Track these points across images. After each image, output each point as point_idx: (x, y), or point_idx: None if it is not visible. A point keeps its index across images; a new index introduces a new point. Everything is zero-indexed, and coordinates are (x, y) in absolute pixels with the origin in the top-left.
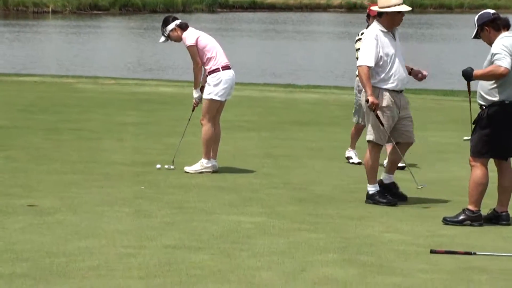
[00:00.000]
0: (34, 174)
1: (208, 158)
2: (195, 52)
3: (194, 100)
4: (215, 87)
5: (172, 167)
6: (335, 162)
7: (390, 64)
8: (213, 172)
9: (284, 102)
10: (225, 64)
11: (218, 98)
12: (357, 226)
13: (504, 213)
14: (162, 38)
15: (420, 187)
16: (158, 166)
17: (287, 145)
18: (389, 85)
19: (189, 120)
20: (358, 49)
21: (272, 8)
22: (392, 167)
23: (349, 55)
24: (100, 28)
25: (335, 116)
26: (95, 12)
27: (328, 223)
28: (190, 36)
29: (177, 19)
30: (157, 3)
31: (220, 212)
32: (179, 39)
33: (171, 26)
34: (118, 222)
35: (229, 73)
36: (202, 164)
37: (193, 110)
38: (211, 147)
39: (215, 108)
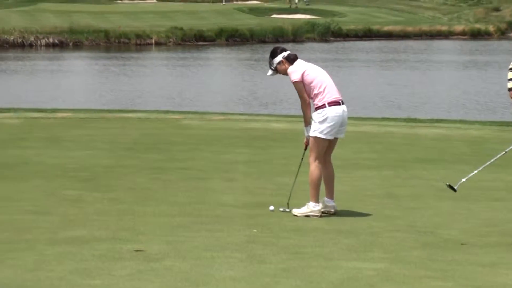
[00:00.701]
0: (140, 217)
1: (316, 201)
2: (301, 88)
3: (305, 138)
4: (320, 125)
5: (287, 209)
6: (462, 203)
7: None
8: (332, 213)
9: (405, 138)
10: (333, 100)
11: (323, 136)
12: (489, 274)
13: None
14: (270, 72)
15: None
16: (272, 208)
17: (410, 185)
18: None
19: (302, 159)
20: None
21: (388, 36)
22: None
23: (476, 85)
24: (206, 60)
25: (461, 153)
26: (200, 43)
27: (457, 270)
28: (296, 71)
29: (285, 50)
30: (266, 33)
31: (338, 258)
32: (286, 73)
33: (278, 58)
34: (230, 269)
35: (338, 110)
36: (309, 207)
37: (305, 149)
38: (318, 188)
39: (322, 146)
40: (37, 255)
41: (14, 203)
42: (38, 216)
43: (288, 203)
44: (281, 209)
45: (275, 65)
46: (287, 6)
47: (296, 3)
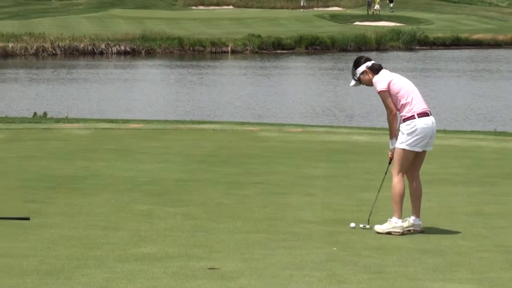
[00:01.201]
0: (214, 233)
1: (398, 216)
2: (388, 98)
3: (389, 151)
4: (408, 136)
5: (367, 226)
6: None
7: None
8: (417, 232)
9: (495, 152)
10: (422, 111)
11: (411, 149)
12: None
13: None
14: (353, 82)
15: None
16: (353, 225)
17: (500, 202)
18: None
19: (385, 174)
20: None
21: (478, 44)
22: None
23: None
24: (285, 69)
25: None
26: (279, 51)
27: None
28: (382, 80)
29: (369, 60)
30: (348, 41)
31: (423, 278)
32: (370, 83)
33: (362, 68)
34: None
35: (427, 121)
36: (391, 223)
37: (389, 163)
38: (401, 203)
39: (407, 159)
40: (107, 272)
41: (83, 218)
42: (108, 231)
43: (368, 219)
44: (361, 226)
45: (358, 75)
46: (370, 12)
47: (378, 10)
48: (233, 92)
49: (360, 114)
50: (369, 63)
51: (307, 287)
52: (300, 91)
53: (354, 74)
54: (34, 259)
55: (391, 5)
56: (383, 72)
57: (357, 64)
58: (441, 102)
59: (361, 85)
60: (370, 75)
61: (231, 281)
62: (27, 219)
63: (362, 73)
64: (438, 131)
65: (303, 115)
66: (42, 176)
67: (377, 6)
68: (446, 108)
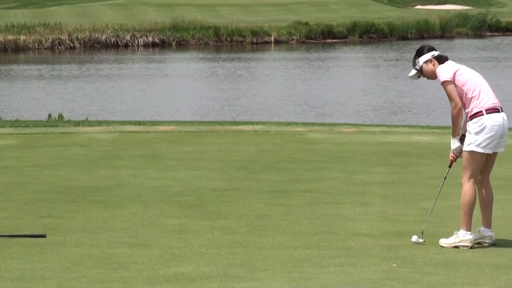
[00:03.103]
0: (256, 249)
1: (467, 229)
2: (453, 89)
3: (451, 153)
4: (476, 136)
5: (420, 240)
6: None
7: None
8: (489, 245)
9: None
10: (491, 106)
11: (481, 150)
12: None
13: None
14: (413, 72)
15: None
16: (414, 238)
17: None
18: None
19: (444, 179)
20: None
21: None
22: None
23: None
24: (336, 60)
25: None
26: (329, 40)
27: None
28: (446, 69)
29: (434, 49)
30: (408, 28)
31: None
32: (433, 75)
33: (426, 56)
34: None
35: (497, 118)
36: (458, 236)
37: (450, 166)
38: (471, 213)
39: (478, 162)
40: None
41: (107, 234)
42: (135, 249)
43: (422, 232)
44: (414, 240)
45: (420, 64)
46: None
47: None
48: (276, 89)
49: (422, 111)
50: (435, 53)
51: None
52: (353, 86)
53: (415, 64)
54: (52, 282)
55: None
56: (448, 62)
57: (420, 52)
58: None
59: (421, 78)
60: (435, 65)
61: None
62: (43, 236)
63: (426, 62)
64: (510, 129)
65: (357, 113)
66: (60, 188)
67: None
68: None
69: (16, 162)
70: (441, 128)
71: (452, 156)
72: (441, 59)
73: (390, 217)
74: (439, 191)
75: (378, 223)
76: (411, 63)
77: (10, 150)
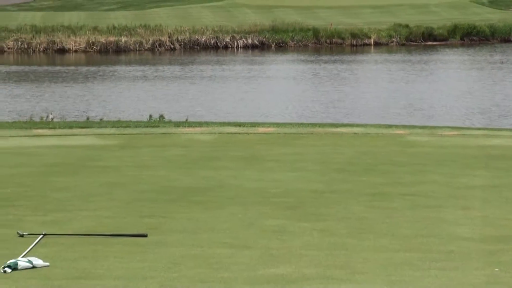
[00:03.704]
0: (356, 252)
1: None
2: None
3: None
4: None
5: None
6: None
7: None
8: None
9: None
10: None
11: None
12: None
13: None
14: None
15: None
16: None
17: None
18: None
19: None
20: None
21: None
22: None
23: None
24: (437, 63)
25: None
26: (429, 43)
27: None
28: None
29: None
30: (511, 30)
31: None
32: None
33: None
34: None
35: None
36: None
37: None
38: None
39: None
40: None
41: (207, 234)
42: (235, 250)
43: None
44: None
45: None
46: None
47: None
48: (376, 91)
49: None
50: None
51: None
52: (455, 88)
53: None
54: (153, 281)
55: None
56: None
57: None
58: None
59: None
60: None
61: None
62: (145, 236)
63: None
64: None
65: (459, 116)
66: (161, 188)
67: None
68: None
69: (117, 162)
70: None
71: None
72: None
73: (492, 222)
74: None
75: (480, 227)
76: None
77: (111, 150)
